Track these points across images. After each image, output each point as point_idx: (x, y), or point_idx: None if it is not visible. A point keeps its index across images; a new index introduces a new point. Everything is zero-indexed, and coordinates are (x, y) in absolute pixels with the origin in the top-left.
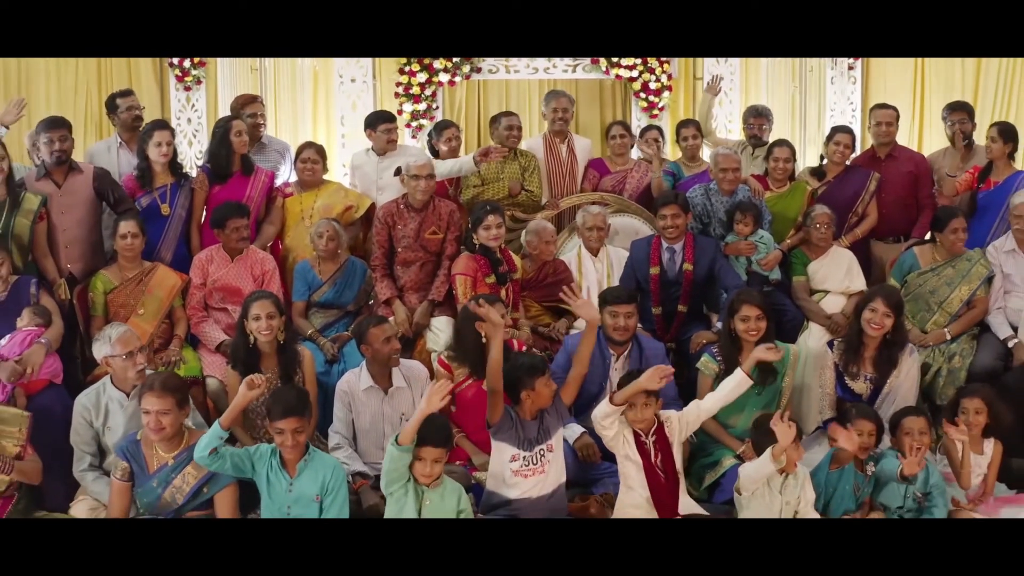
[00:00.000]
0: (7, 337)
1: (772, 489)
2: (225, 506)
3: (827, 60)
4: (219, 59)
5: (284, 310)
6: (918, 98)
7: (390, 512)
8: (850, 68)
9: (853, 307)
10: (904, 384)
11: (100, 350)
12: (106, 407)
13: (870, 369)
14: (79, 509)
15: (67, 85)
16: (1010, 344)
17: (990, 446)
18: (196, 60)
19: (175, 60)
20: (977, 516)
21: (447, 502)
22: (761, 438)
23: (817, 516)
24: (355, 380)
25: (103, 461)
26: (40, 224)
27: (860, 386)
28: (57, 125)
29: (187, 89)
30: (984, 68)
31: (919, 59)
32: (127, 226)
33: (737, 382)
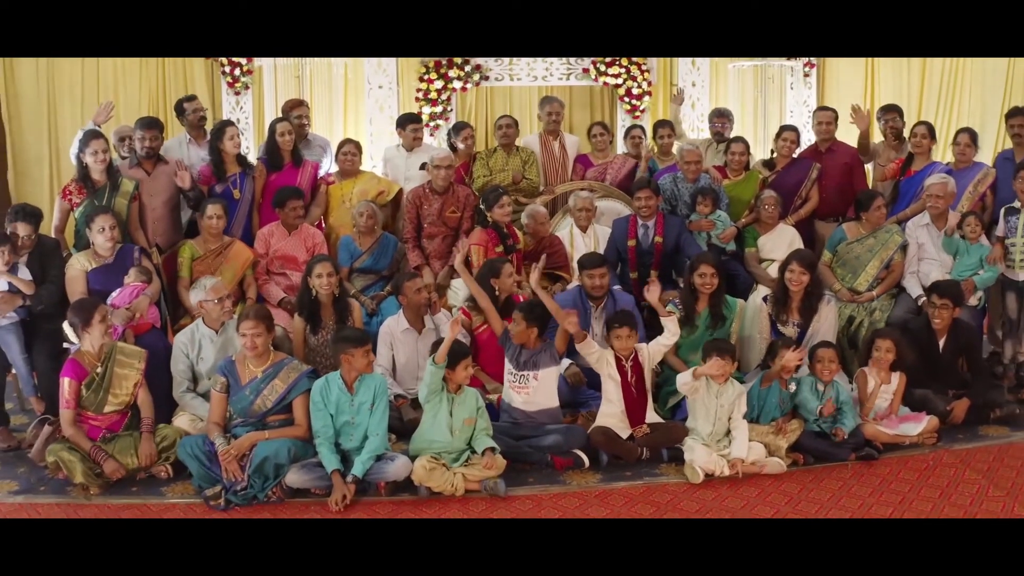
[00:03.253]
0: (118, 290)
1: (711, 394)
2: (300, 409)
3: (786, 68)
4: (264, 67)
5: (339, 270)
6: (869, 100)
7: (428, 416)
8: (805, 76)
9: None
10: (823, 327)
11: (197, 296)
12: (199, 342)
13: (796, 317)
14: (181, 421)
15: (132, 89)
16: (920, 302)
17: (896, 377)
18: (245, 68)
19: (227, 68)
20: (881, 428)
21: (468, 403)
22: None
23: (746, 424)
24: (395, 324)
25: (196, 386)
26: (134, 204)
27: (789, 330)
28: (151, 125)
29: (236, 93)
30: (928, 72)
31: (870, 66)
32: (214, 209)
33: (673, 332)
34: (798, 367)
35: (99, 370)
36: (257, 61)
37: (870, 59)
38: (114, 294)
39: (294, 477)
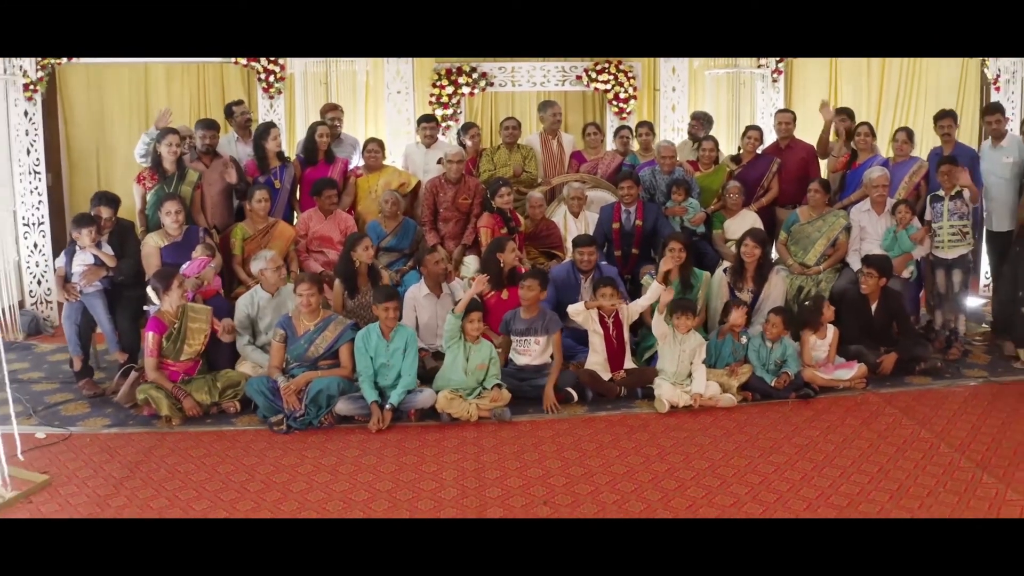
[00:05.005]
0: (188, 263)
1: (676, 342)
2: (345, 354)
3: (756, 74)
4: (295, 74)
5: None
6: (832, 103)
7: (448, 360)
8: (774, 81)
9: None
10: (773, 293)
11: (257, 265)
12: (258, 304)
13: (751, 285)
14: (244, 367)
15: (175, 92)
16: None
17: (830, 332)
18: (278, 75)
19: (262, 75)
20: (818, 373)
21: (482, 352)
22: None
23: (704, 367)
24: (417, 290)
25: (255, 340)
26: (197, 191)
27: (745, 296)
28: (209, 126)
29: (270, 97)
30: (886, 77)
31: (833, 71)
32: (260, 194)
33: (654, 288)
34: (748, 323)
35: (176, 325)
36: (289, 68)
37: (833, 65)
38: (185, 266)
39: (342, 406)
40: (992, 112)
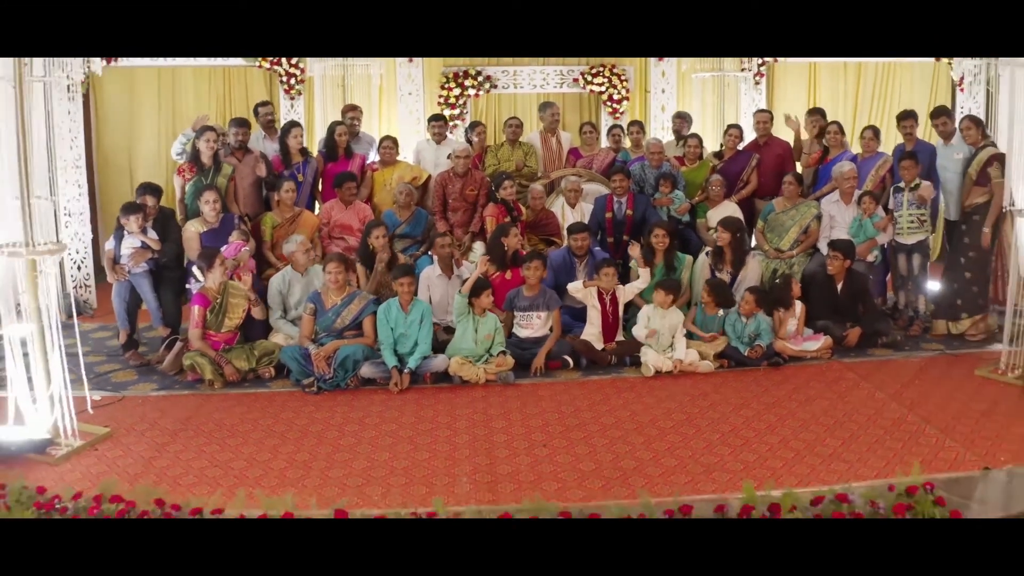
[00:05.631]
0: (226, 246)
1: (658, 316)
2: (368, 325)
3: (740, 77)
4: (315, 77)
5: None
6: (811, 102)
7: (459, 331)
8: (756, 83)
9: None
10: (749, 274)
11: (289, 248)
12: (289, 282)
13: (729, 267)
14: (277, 338)
15: (202, 94)
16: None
17: (799, 307)
18: (299, 78)
19: (284, 77)
20: (788, 344)
21: (488, 324)
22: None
23: (684, 339)
24: (431, 271)
25: (286, 314)
26: (231, 183)
27: (724, 276)
28: (241, 124)
29: (291, 98)
30: (862, 78)
31: (811, 73)
32: (288, 184)
33: (644, 278)
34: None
35: (218, 300)
36: (308, 72)
37: (812, 68)
38: (223, 248)
39: (366, 370)
40: (938, 115)
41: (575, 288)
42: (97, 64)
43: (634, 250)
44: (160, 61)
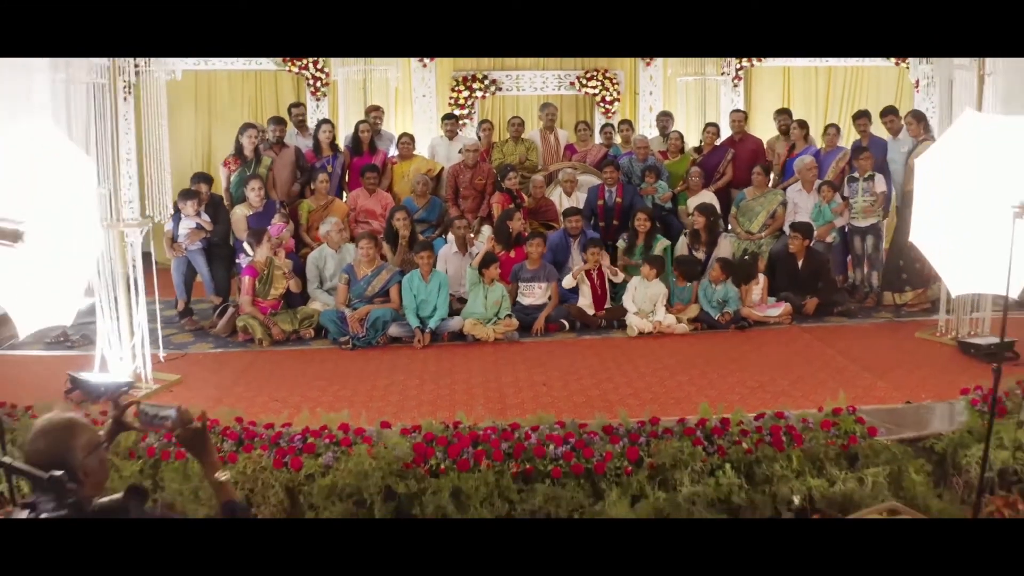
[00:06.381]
0: (269, 226)
1: (643, 286)
2: (395, 292)
3: (720, 80)
4: (338, 80)
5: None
6: (784, 103)
7: (471, 298)
8: (735, 86)
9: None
10: (721, 252)
11: (325, 228)
12: (325, 257)
13: (704, 246)
14: (315, 305)
15: (236, 95)
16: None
17: (762, 279)
18: (324, 81)
19: (311, 80)
20: (753, 311)
21: (496, 291)
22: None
23: (664, 307)
24: (447, 249)
25: (322, 285)
26: (270, 173)
27: (700, 254)
28: (279, 122)
29: (317, 100)
30: (832, 81)
31: (785, 76)
32: (323, 176)
33: (619, 278)
34: (702, 275)
35: (265, 272)
36: (332, 76)
37: (785, 72)
38: (269, 227)
39: (393, 329)
40: (886, 114)
41: (568, 282)
42: (178, 70)
43: (616, 276)
44: (195, 65)
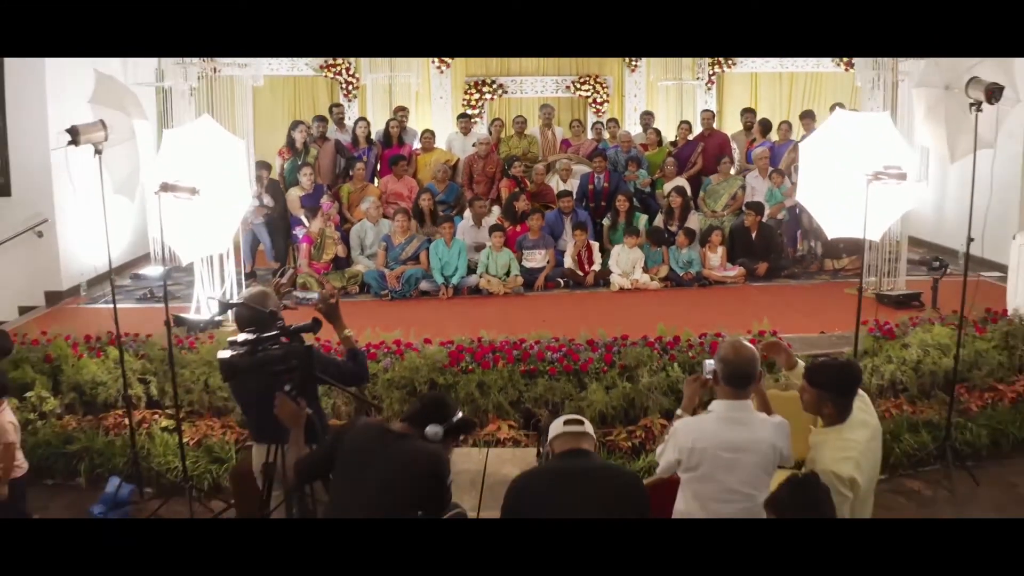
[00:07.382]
0: (322, 203)
1: (625, 251)
2: (424, 256)
3: (695, 84)
4: (367, 84)
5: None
6: (752, 103)
7: (483, 260)
8: (708, 90)
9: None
10: (689, 226)
11: (364, 205)
12: (365, 230)
13: (677, 222)
14: (358, 267)
15: (277, 98)
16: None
17: (720, 248)
18: (355, 85)
19: (344, 84)
20: (714, 272)
21: (504, 255)
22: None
23: (641, 269)
24: (465, 223)
25: (363, 252)
26: (317, 163)
27: (673, 228)
28: (322, 119)
29: (349, 101)
30: (793, 85)
31: (753, 81)
32: (360, 165)
33: (598, 262)
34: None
35: (319, 240)
36: (362, 80)
37: (753, 77)
38: (322, 204)
39: (424, 285)
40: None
41: (568, 264)
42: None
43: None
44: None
